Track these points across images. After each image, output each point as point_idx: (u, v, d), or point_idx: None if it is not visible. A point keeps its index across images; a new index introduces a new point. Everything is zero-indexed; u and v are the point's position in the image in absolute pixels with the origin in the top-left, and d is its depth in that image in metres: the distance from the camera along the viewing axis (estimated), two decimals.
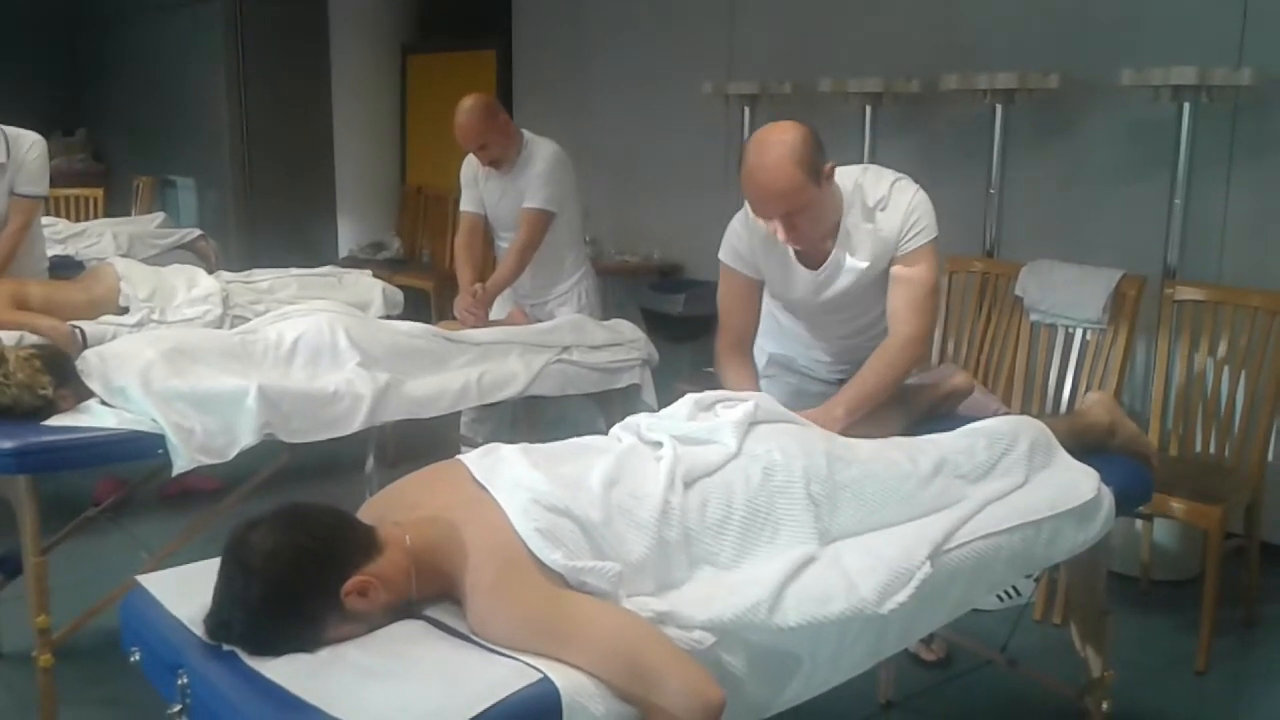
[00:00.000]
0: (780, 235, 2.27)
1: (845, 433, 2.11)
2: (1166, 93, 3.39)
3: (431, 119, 7.26)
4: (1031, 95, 3.83)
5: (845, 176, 2.37)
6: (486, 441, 3.77)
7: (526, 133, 3.77)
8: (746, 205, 2.43)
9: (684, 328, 4.93)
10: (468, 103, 3.64)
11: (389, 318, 3.88)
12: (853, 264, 2.37)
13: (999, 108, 3.85)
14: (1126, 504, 2.19)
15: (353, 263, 6.68)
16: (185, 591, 1.58)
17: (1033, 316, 3.56)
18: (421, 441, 3.68)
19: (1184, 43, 3.58)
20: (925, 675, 2.85)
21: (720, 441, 1.83)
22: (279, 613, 1.42)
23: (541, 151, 3.71)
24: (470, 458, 1.72)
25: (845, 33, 4.65)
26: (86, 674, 2.79)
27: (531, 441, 3.94)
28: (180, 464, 2.56)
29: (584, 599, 1.49)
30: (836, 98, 4.30)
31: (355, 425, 2.86)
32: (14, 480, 2.50)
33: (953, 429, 2.17)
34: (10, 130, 3.85)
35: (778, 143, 2.20)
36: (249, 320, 3.83)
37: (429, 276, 6.43)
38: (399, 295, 4.40)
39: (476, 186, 3.84)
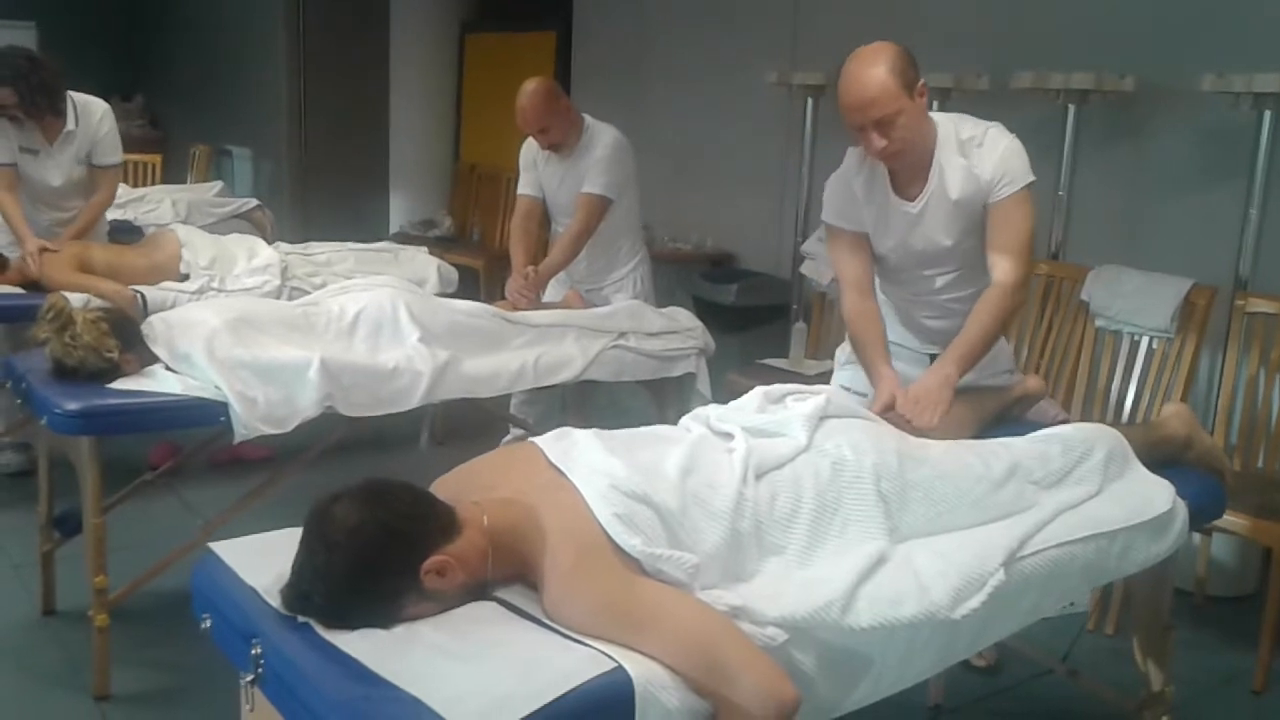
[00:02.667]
0: (873, 148, 2.28)
1: (918, 433, 2.07)
2: (1248, 99, 3.31)
3: (487, 99, 7.27)
4: (1105, 97, 3.75)
5: (940, 116, 2.41)
6: (536, 423, 3.82)
7: (588, 118, 3.74)
8: (844, 162, 2.50)
9: (736, 318, 4.90)
10: (530, 85, 3.62)
11: (442, 296, 3.88)
12: (947, 198, 2.37)
13: (1071, 108, 3.78)
14: (1199, 519, 2.15)
15: (403, 239, 6.71)
16: (258, 560, 1.58)
17: (1098, 323, 3.49)
18: (469, 420, 3.69)
19: (1262, 49, 3.49)
20: (976, 681, 2.81)
21: (790, 435, 1.81)
22: (359, 588, 1.42)
23: (603, 137, 3.68)
24: (545, 441, 1.70)
25: (913, 25, 4.57)
26: (139, 636, 2.81)
27: (582, 426, 3.98)
28: (242, 432, 2.58)
29: (661, 588, 1.47)
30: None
31: (414, 401, 2.86)
32: (77, 441, 2.53)
33: (1023, 434, 2.14)
34: (79, 97, 3.90)
35: (874, 52, 2.25)
36: (306, 292, 3.87)
37: (479, 255, 6.44)
38: (454, 273, 4.41)
39: (535, 170, 3.82)
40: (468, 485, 1.64)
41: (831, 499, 1.71)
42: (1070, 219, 3.89)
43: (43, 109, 3.78)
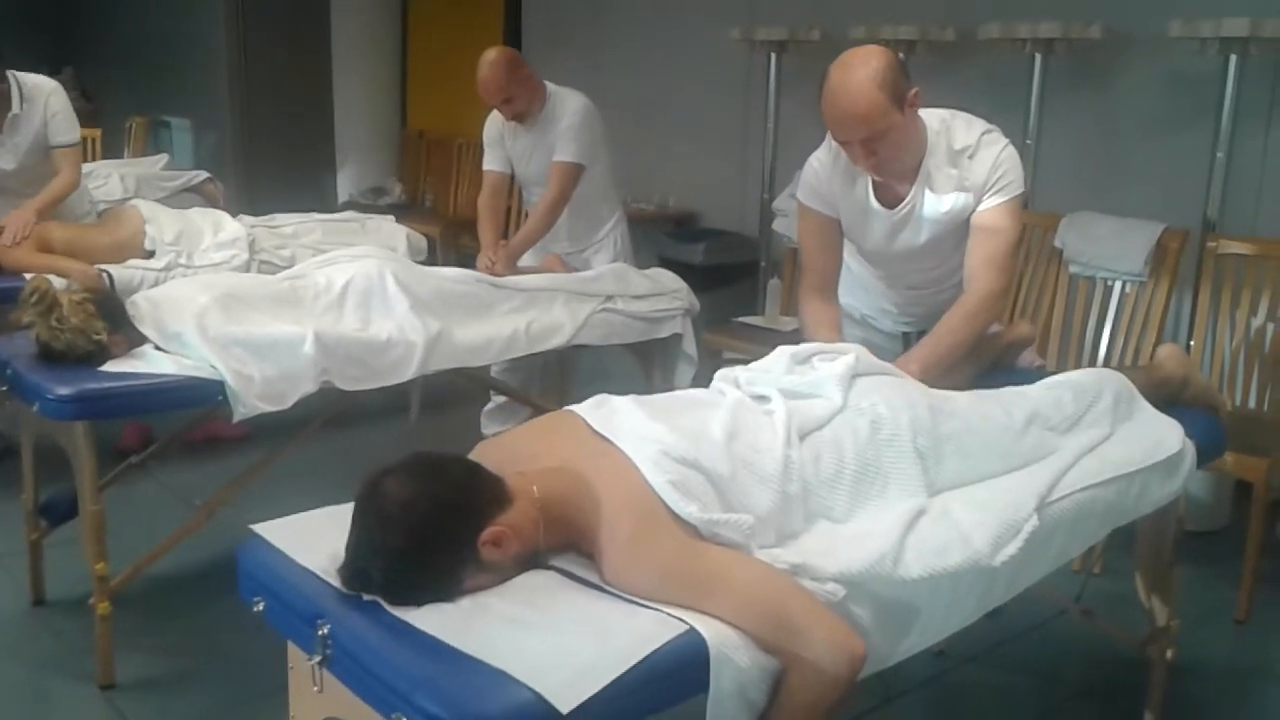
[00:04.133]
0: (860, 161, 2.23)
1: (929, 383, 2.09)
2: (1214, 44, 3.37)
3: (434, 62, 7.14)
4: (1071, 45, 3.80)
5: (932, 117, 2.32)
6: (520, 388, 3.80)
7: (550, 85, 3.69)
8: (825, 142, 2.39)
9: (704, 277, 4.87)
10: (490, 55, 3.56)
11: None
12: (931, 207, 2.32)
13: (1038, 57, 3.82)
14: (1203, 456, 2.20)
15: (353, 208, 6.59)
16: (306, 541, 1.56)
17: (1072, 269, 3.56)
18: (451, 389, 3.65)
19: None
20: (987, 625, 2.87)
21: (825, 395, 1.82)
22: (418, 562, 1.41)
23: (569, 104, 3.63)
24: (584, 409, 1.69)
25: None
26: (137, 622, 2.76)
27: (565, 391, 3.96)
28: (241, 411, 2.53)
29: (722, 550, 1.48)
30: (868, 44, 4.24)
31: (409, 373, 2.84)
32: (70, 426, 2.47)
33: (1019, 380, 2.19)
34: (25, 78, 3.77)
35: (862, 64, 2.14)
36: (275, 265, 3.81)
37: (434, 222, 6.35)
38: (423, 241, 4.36)
39: (502, 145, 3.77)
40: (509, 457, 1.63)
41: (872, 457, 1.73)
42: (1038, 168, 3.94)
43: None
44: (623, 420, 1.64)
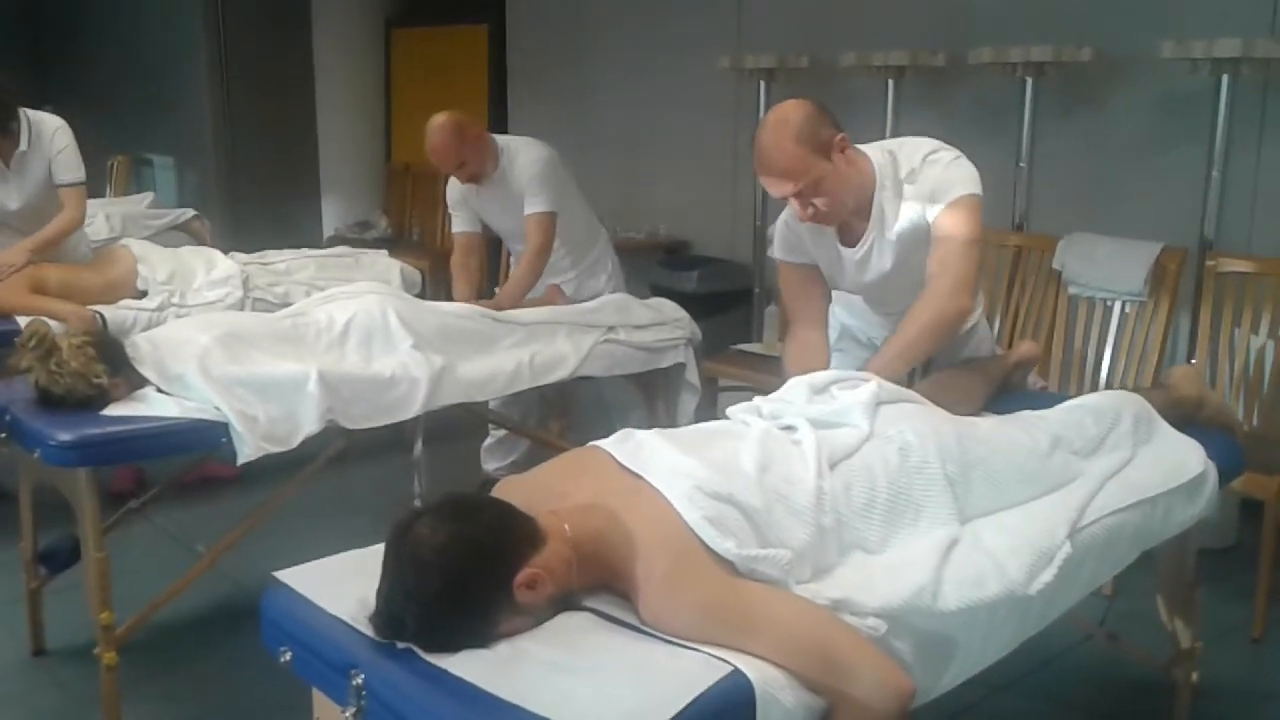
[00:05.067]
0: (801, 214, 2.25)
1: (945, 406, 2.08)
2: (1206, 65, 3.39)
3: (417, 96, 7.13)
4: (1062, 68, 3.82)
5: (876, 150, 2.33)
6: (521, 420, 3.77)
7: (499, 139, 3.66)
8: (788, 206, 2.39)
9: (700, 305, 4.84)
10: (437, 121, 3.51)
11: None
12: (887, 240, 2.32)
13: (1029, 81, 3.84)
14: (1221, 477, 2.19)
15: (340, 242, 6.55)
16: (331, 587, 1.53)
17: (1071, 290, 3.56)
18: (452, 423, 3.61)
19: (1214, 16, 3.58)
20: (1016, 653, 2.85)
21: (852, 423, 1.80)
22: (454, 608, 1.37)
23: (525, 155, 3.60)
24: (611, 444, 1.67)
25: (863, 3, 4.61)
26: (141, 671, 2.71)
27: (568, 424, 3.93)
28: (246, 453, 2.49)
29: (762, 588, 1.46)
30: (858, 71, 4.26)
31: (414, 410, 2.80)
32: (72, 473, 2.42)
33: (1031, 404, 2.18)
34: (32, 114, 3.72)
35: (778, 122, 2.18)
36: (269, 302, 3.77)
37: (422, 255, 6.31)
38: (416, 275, 4.33)
39: (468, 206, 3.74)
40: (538, 495, 1.60)
41: (903, 485, 1.71)
42: (1032, 190, 3.96)
43: None
44: (651, 455, 1.61)
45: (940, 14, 4.32)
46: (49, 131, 3.71)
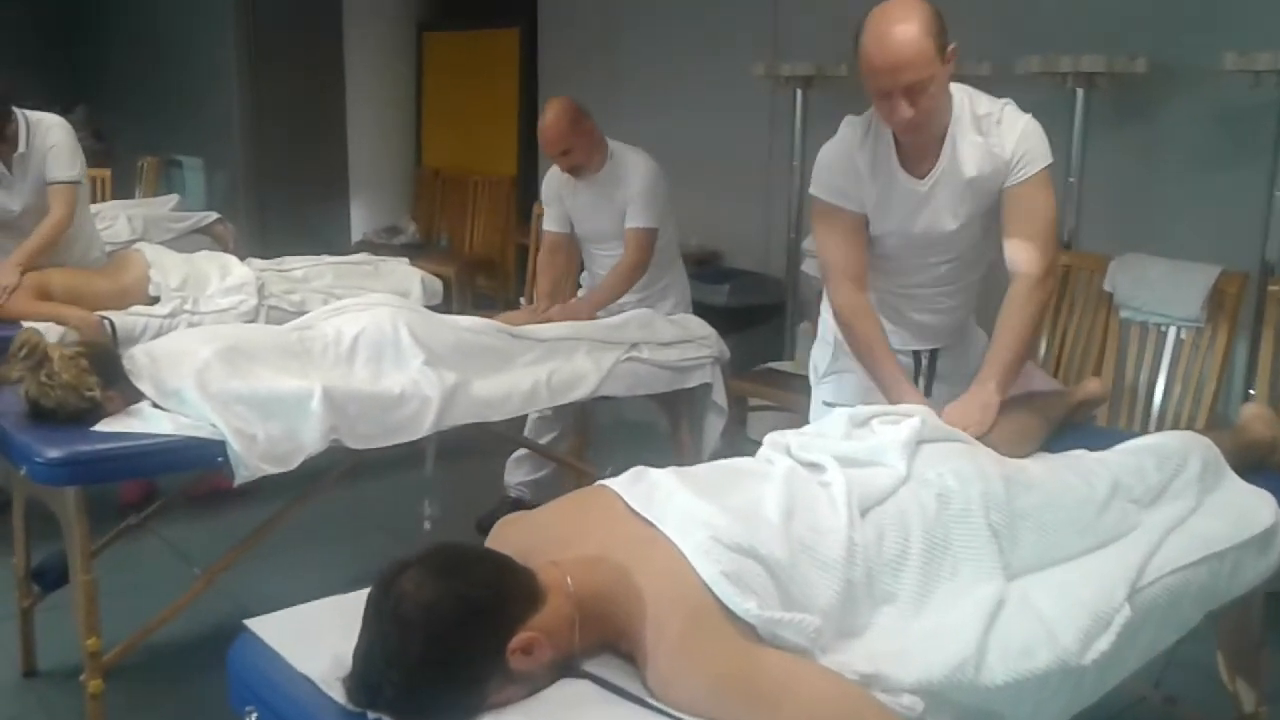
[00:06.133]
0: (896, 114, 2.07)
1: (998, 447, 1.91)
2: (1271, 78, 3.20)
3: (449, 100, 7.04)
4: (1115, 79, 3.63)
5: (953, 87, 2.21)
6: (551, 444, 3.62)
7: (612, 142, 3.56)
8: (841, 130, 2.29)
9: (730, 319, 4.69)
10: (553, 107, 3.45)
11: (428, 309, 3.66)
12: (959, 176, 2.20)
13: (1080, 92, 3.65)
14: None
15: (367, 247, 6.46)
16: (304, 640, 1.38)
17: (1123, 314, 3.36)
18: (470, 434, 3.49)
19: (1272, 25, 3.38)
20: None
21: (887, 464, 1.64)
22: (440, 675, 1.22)
23: (636, 166, 3.50)
24: (621, 485, 1.51)
25: None
26: (133, 695, 2.59)
27: (586, 444, 3.78)
28: (243, 474, 2.36)
29: (783, 657, 1.29)
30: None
31: (423, 430, 2.66)
32: (61, 492, 2.30)
33: (1091, 440, 2.00)
34: (32, 115, 3.61)
35: (909, 10, 2.05)
36: (284, 310, 3.66)
37: (449, 262, 6.22)
38: (438, 284, 4.20)
39: (561, 204, 3.62)
40: (538, 541, 1.45)
41: (940, 536, 1.54)
42: (1082, 206, 3.77)
43: None
44: (665, 498, 1.45)
45: (988, 22, 4.13)
46: (45, 129, 3.60)
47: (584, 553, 1.39)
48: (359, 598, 1.35)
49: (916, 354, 2.46)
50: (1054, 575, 1.61)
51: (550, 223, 3.67)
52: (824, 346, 2.56)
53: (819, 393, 2.57)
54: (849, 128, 2.29)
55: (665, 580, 1.32)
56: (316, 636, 1.37)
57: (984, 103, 2.23)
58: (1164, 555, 1.70)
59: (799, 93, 4.53)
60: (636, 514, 1.44)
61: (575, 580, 1.33)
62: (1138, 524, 1.77)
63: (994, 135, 2.19)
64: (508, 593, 1.28)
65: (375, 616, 1.26)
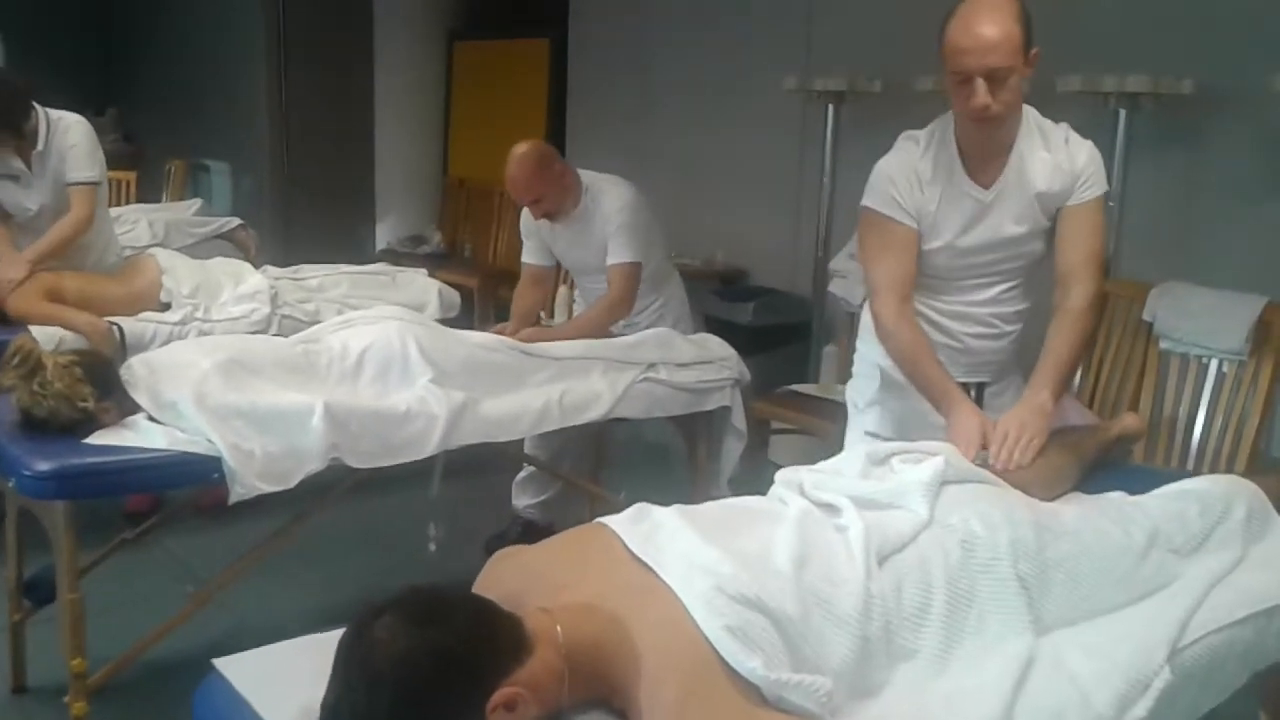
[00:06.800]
0: (975, 99, 2.02)
1: (1029, 489, 1.79)
2: None
3: (477, 110, 6.97)
4: (1159, 100, 3.50)
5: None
6: (551, 460, 3.51)
7: (586, 176, 3.40)
8: (900, 142, 2.28)
9: (754, 339, 4.58)
10: (519, 151, 3.26)
11: (444, 321, 3.58)
12: (1026, 187, 2.18)
13: (1123, 113, 3.52)
14: None
15: (391, 256, 6.42)
16: (273, 684, 1.29)
17: (1163, 344, 3.22)
18: (478, 451, 3.41)
19: None
20: None
21: (908, 507, 1.52)
22: None
23: (612, 200, 3.33)
24: (621, 524, 1.40)
25: (939, 25, 4.31)
26: (124, 715, 2.49)
27: (599, 465, 3.67)
28: (239, 491, 2.28)
29: None
30: (932, 98, 3.96)
31: (429, 449, 2.57)
32: (50, 505, 2.22)
33: (1128, 480, 1.89)
34: (52, 114, 3.56)
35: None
36: (298, 320, 3.58)
37: (472, 273, 6.15)
38: (455, 297, 4.12)
39: (539, 238, 3.50)
40: (530, 584, 1.34)
41: (965, 588, 1.43)
42: (1122, 232, 3.63)
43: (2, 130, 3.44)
44: (668, 542, 1.35)
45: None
46: (65, 128, 3.54)
47: (577, 599, 1.28)
48: (335, 638, 1.25)
49: (964, 385, 2.34)
50: (1087, 631, 1.50)
51: (529, 255, 3.54)
52: (863, 380, 2.47)
53: (861, 421, 2.47)
54: (908, 140, 2.28)
55: (663, 633, 1.21)
56: (287, 681, 1.27)
57: (1048, 122, 2.24)
58: (1207, 611, 1.58)
59: (830, 108, 4.42)
60: (636, 557, 1.33)
61: (566, 630, 1.23)
62: (1178, 575, 1.65)
63: (1063, 152, 2.19)
64: (489, 643, 1.17)
65: (344, 667, 1.16)
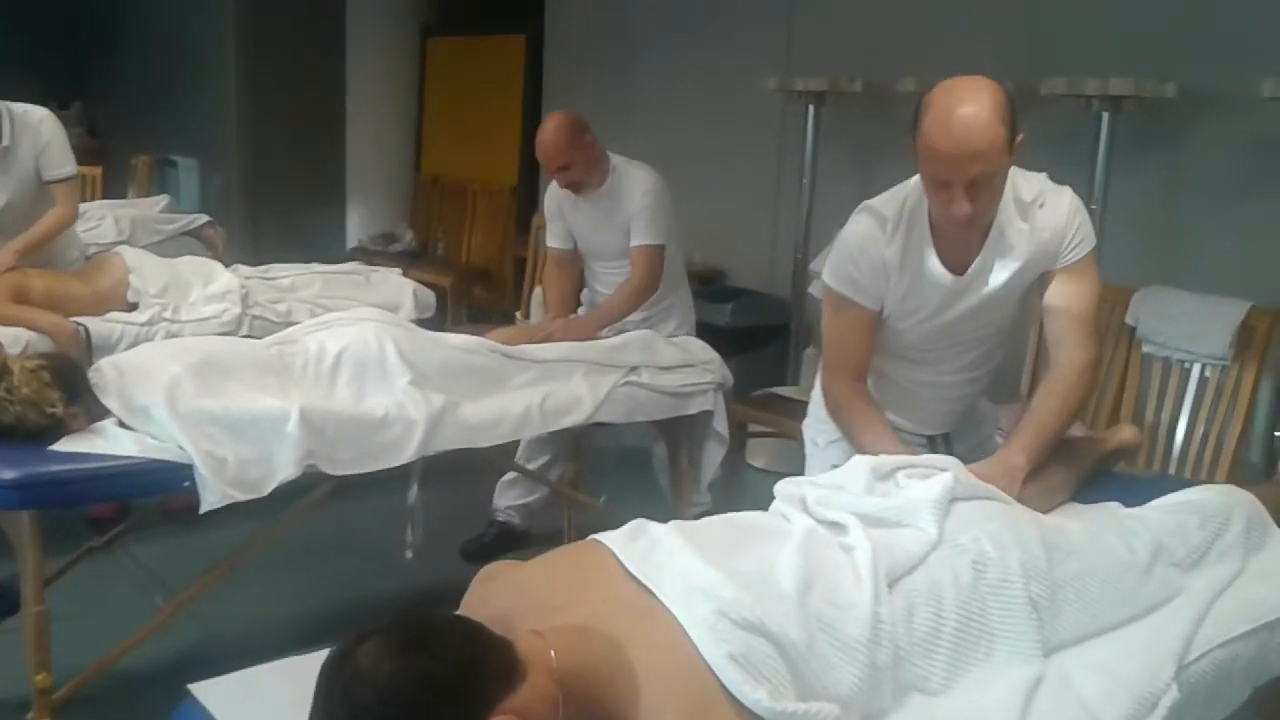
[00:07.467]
0: (951, 207, 1.86)
1: (1025, 501, 1.76)
2: None
3: (451, 107, 6.91)
4: (1142, 103, 3.49)
5: None
6: (543, 468, 3.46)
7: (615, 157, 3.40)
8: (867, 216, 2.07)
9: (732, 340, 4.54)
10: (552, 120, 3.29)
11: (419, 322, 3.51)
12: (1003, 267, 2.01)
13: (1105, 116, 3.51)
14: None
15: (362, 254, 6.34)
16: (250, 713, 1.22)
17: (1145, 349, 3.22)
18: (459, 453, 3.35)
19: None
20: None
21: (917, 526, 1.48)
22: None
23: (639, 183, 3.33)
24: (617, 542, 1.35)
25: (924, 25, 4.29)
26: None
27: (582, 469, 3.61)
28: (210, 500, 2.21)
29: None
30: (916, 98, 3.93)
31: (407, 455, 2.50)
32: (15, 515, 2.14)
33: (1124, 492, 1.87)
34: (15, 107, 3.44)
35: (982, 93, 1.84)
36: (269, 320, 3.50)
37: (445, 272, 6.07)
38: (430, 297, 4.04)
39: (563, 219, 3.47)
40: (522, 604, 1.29)
41: (976, 611, 1.38)
42: (1103, 236, 3.60)
43: None
44: (666, 562, 1.30)
45: (1011, 40, 4.00)
46: (34, 124, 3.43)
47: (572, 621, 1.23)
48: (317, 660, 1.19)
49: (931, 439, 2.27)
50: (1094, 650, 1.46)
51: (554, 239, 3.52)
52: (824, 423, 2.30)
53: (825, 458, 2.29)
54: (871, 217, 2.08)
55: (663, 658, 1.16)
56: (266, 707, 1.21)
57: (1024, 186, 2.02)
58: (1210, 626, 1.55)
59: (811, 109, 4.39)
60: (634, 577, 1.28)
61: (560, 653, 1.17)
62: (1180, 589, 1.62)
63: (1039, 220, 2.00)
64: (478, 670, 1.11)
65: (326, 695, 1.10)
